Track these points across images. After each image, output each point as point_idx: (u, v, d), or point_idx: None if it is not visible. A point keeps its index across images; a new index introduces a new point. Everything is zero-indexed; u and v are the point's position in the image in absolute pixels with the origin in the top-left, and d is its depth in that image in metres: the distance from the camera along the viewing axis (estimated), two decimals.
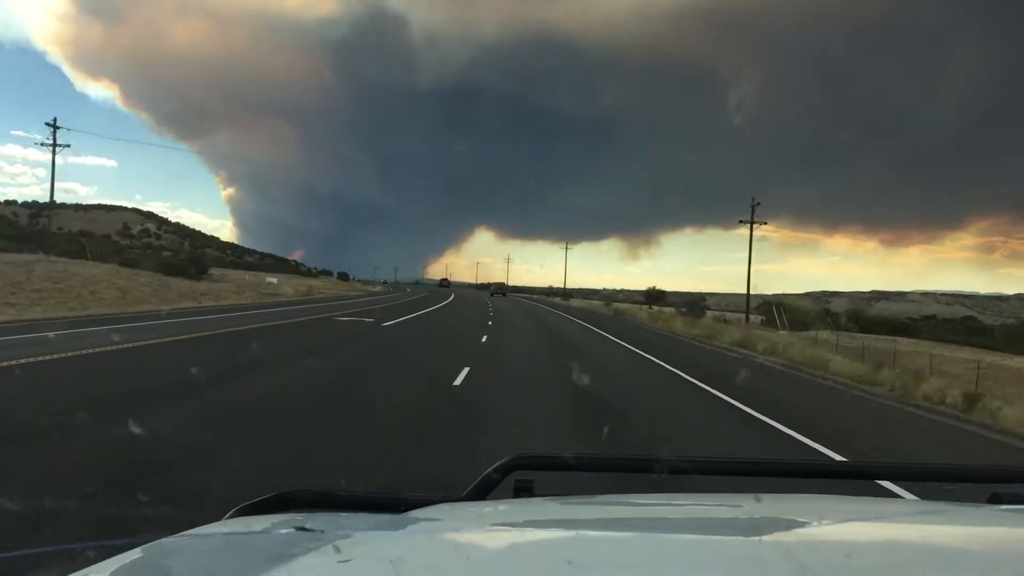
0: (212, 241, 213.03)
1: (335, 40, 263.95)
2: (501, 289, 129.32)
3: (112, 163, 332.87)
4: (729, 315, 70.25)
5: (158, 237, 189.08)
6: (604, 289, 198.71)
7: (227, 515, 1.37)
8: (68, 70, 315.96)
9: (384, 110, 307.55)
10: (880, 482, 5.23)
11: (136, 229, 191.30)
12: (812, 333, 43.50)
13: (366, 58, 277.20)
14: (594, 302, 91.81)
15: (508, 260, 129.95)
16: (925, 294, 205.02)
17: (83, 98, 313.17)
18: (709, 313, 61.43)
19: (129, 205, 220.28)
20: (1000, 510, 1.48)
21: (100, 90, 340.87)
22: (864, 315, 71.08)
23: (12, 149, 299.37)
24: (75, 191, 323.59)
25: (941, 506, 1.61)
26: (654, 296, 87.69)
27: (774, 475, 1.59)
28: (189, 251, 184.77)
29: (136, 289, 35.32)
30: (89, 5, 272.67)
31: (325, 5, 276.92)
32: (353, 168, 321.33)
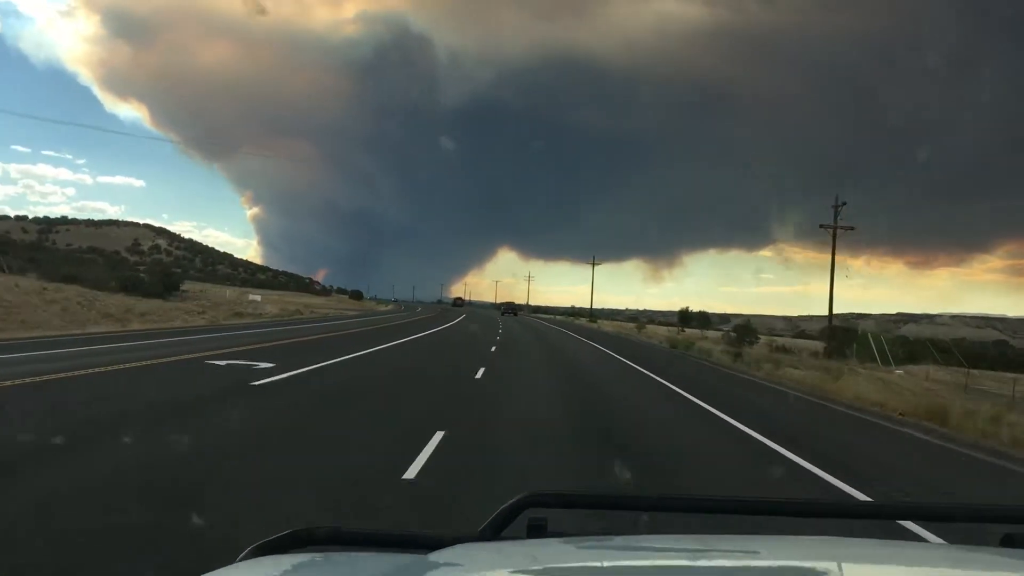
0: (225, 258, 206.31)
1: (360, 60, 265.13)
2: (512, 308, 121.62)
3: (140, 183, 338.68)
4: (778, 340, 61.06)
5: (168, 253, 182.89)
6: (627, 310, 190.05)
7: (241, 555, 1.36)
8: (98, 91, 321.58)
9: (407, 129, 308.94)
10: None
11: (147, 245, 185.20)
12: (914, 367, 33.51)
13: (390, 77, 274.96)
14: (626, 325, 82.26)
15: (529, 279, 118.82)
16: (955, 316, 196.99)
17: (112, 118, 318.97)
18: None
19: (141, 221, 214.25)
20: (1013, 553, 1.45)
21: (128, 111, 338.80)
22: (965, 345, 60.09)
23: (43, 169, 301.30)
24: (104, 210, 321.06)
25: (952, 549, 1.70)
26: (688, 318, 77.71)
27: (789, 515, 1.54)
28: (160, 268, 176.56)
29: (29, 307, 26.75)
30: (119, 28, 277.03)
31: (349, 26, 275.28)
32: (377, 188, 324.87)
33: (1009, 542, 1.49)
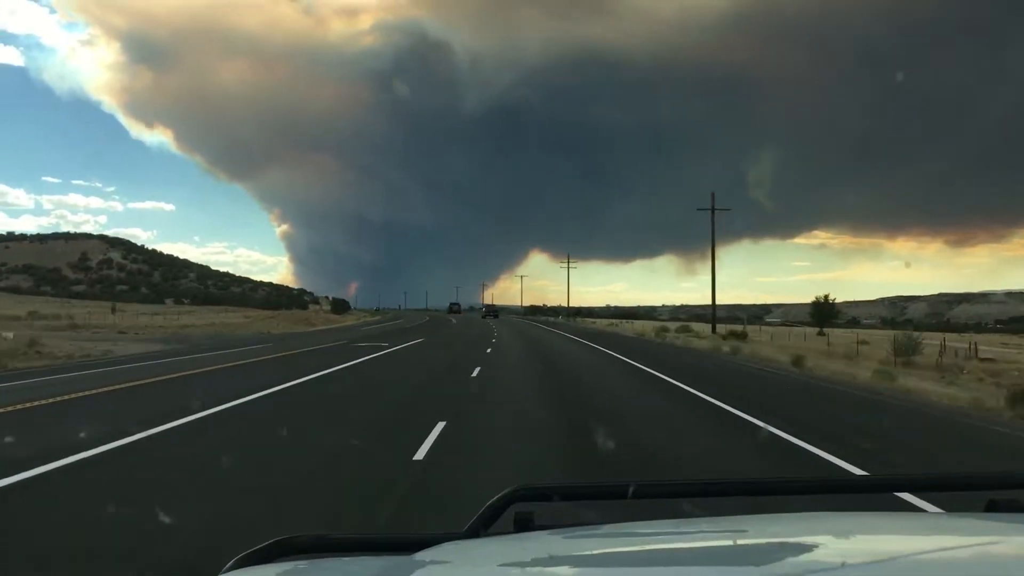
0: (198, 269, 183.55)
1: (379, 70, 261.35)
2: (493, 311, 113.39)
3: (170, 207, 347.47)
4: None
5: (122, 268, 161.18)
6: (663, 306, 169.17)
7: (226, 567, 1.33)
8: (122, 118, 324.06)
9: (433, 137, 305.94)
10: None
11: (96, 259, 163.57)
12: None
13: (411, 85, 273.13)
14: (695, 330, 59.40)
15: (568, 264, 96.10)
16: (1010, 294, 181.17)
17: (138, 144, 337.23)
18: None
19: (95, 232, 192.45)
20: (996, 518, 1.46)
21: (154, 136, 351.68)
22: None
23: (75, 198, 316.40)
24: (136, 236, 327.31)
25: (937, 517, 1.68)
26: (825, 312, 56.45)
27: (777, 495, 1.53)
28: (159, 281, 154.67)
29: None
30: (139, 54, 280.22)
31: (366, 38, 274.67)
32: (404, 197, 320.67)
33: (993, 507, 1.50)
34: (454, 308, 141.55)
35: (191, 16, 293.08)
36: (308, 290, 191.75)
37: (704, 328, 50.44)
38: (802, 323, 76.20)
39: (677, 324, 64.15)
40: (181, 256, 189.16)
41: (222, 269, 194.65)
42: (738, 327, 47.29)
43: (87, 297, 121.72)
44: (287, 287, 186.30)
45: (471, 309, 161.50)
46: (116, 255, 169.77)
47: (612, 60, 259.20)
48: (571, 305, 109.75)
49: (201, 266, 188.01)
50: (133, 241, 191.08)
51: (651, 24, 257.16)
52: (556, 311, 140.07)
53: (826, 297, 60.65)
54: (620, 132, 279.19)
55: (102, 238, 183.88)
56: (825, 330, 54.08)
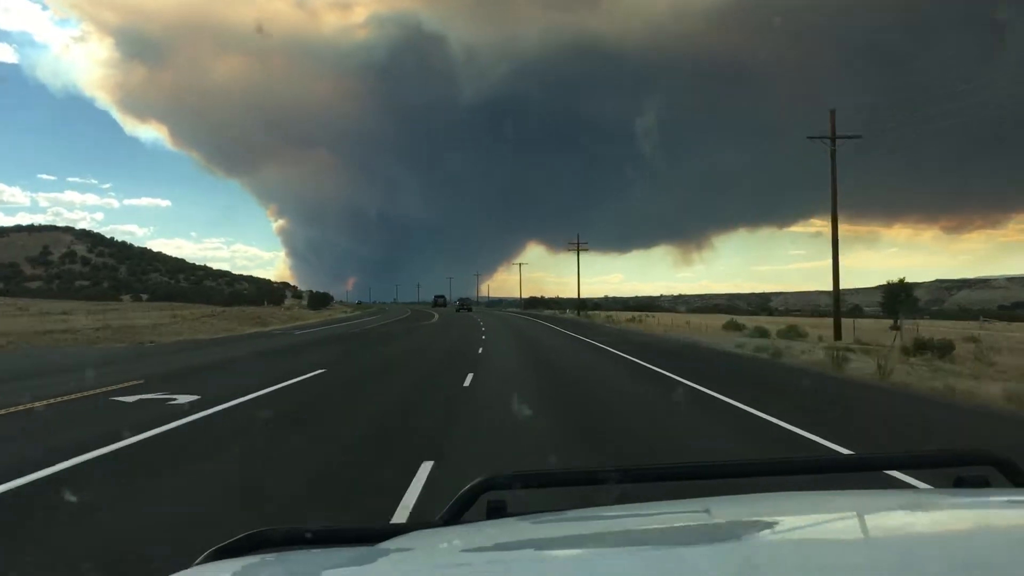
0: (173, 263, 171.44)
1: (374, 63, 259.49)
2: (466, 304, 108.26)
3: (166, 203, 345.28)
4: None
5: (86, 262, 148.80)
6: (662, 296, 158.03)
7: (197, 560, 1.33)
8: (117, 114, 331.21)
9: (428, 129, 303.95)
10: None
11: (59, 253, 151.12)
12: None
13: (406, 78, 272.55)
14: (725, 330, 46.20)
15: (578, 247, 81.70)
16: (1011, 279, 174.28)
17: (133, 141, 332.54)
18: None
19: (62, 225, 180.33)
20: (963, 493, 1.48)
21: (149, 132, 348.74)
22: None
23: (71, 195, 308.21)
24: (133, 232, 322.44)
25: (905, 494, 1.68)
26: (901, 300, 43.96)
27: (748, 476, 1.54)
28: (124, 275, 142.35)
29: None
30: (132, 50, 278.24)
31: (361, 31, 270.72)
32: (401, 191, 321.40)
33: (960, 483, 1.53)
34: (439, 301, 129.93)
35: (183, 11, 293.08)
36: (293, 284, 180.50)
37: (817, 329, 34.66)
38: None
39: (747, 318, 48.57)
40: (176, 253, 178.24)
41: (217, 266, 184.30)
42: (891, 335, 27.49)
43: (43, 295, 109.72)
44: (269, 281, 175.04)
45: (492, 304, 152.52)
46: (81, 248, 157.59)
47: (609, 50, 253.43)
48: (551, 298, 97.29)
49: (175, 259, 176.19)
50: (108, 236, 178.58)
51: (646, 15, 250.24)
52: (560, 303, 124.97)
53: (901, 281, 48.52)
54: (615, 124, 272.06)
55: (68, 230, 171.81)
56: (903, 321, 41.89)
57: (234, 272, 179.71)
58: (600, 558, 1.22)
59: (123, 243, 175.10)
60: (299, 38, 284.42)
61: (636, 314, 72.92)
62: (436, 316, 73.86)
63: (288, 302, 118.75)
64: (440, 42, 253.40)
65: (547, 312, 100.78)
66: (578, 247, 79.84)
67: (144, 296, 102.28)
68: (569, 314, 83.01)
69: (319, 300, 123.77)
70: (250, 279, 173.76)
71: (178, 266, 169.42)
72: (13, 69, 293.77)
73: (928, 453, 1.73)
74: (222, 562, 1.31)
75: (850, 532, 1.32)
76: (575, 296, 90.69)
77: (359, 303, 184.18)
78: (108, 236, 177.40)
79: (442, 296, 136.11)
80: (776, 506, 1.51)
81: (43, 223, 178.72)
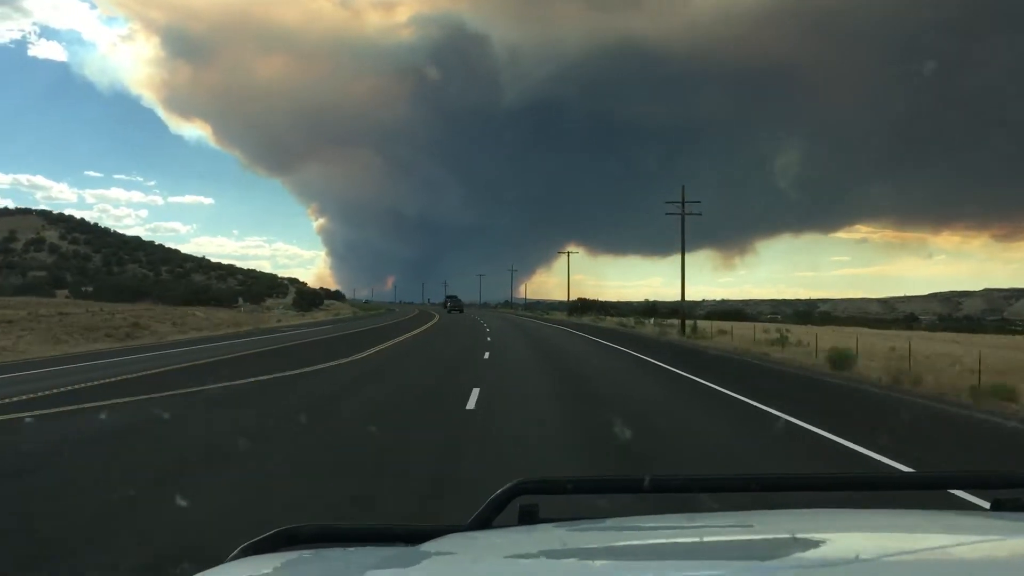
0: (159, 252, 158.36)
1: (417, 64, 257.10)
2: (457, 304, 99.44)
3: (209, 201, 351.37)
4: None
5: (55, 249, 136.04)
6: (704, 301, 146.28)
7: (230, 556, 1.32)
8: (162, 112, 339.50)
9: (469, 131, 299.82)
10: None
11: (25, 239, 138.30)
12: None
13: (449, 79, 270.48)
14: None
15: (683, 206, 62.28)
16: None
17: (177, 139, 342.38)
18: None
19: (35, 208, 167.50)
20: (1001, 516, 1.47)
21: (193, 130, 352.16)
22: None
23: (116, 192, 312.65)
24: (176, 230, 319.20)
25: (943, 515, 1.66)
26: None
27: (785, 490, 1.51)
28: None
29: None
30: (178, 48, 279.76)
31: (404, 31, 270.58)
32: (441, 191, 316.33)
33: (998, 506, 1.51)
34: (452, 304, 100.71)
35: (228, 10, 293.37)
36: (288, 278, 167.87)
37: None
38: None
39: (873, 331, 29.32)
40: (218, 251, 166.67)
41: (258, 265, 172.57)
42: None
43: None
44: (266, 274, 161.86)
45: (532, 306, 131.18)
46: (52, 234, 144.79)
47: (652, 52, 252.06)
48: (605, 300, 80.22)
49: (166, 249, 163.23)
50: (89, 221, 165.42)
51: (688, 16, 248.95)
52: (620, 309, 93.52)
53: None
54: (660, 126, 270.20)
55: (41, 214, 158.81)
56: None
57: (229, 264, 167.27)
58: (647, 572, 1.20)
59: (105, 229, 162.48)
60: (342, 37, 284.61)
61: (723, 325, 46.90)
62: (437, 317, 59.82)
63: (270, 302, 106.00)
64: (482, 42, 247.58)
65: (610, 320, 68.48)
66: (683, 206, 66.17)
67: (88, 289, 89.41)
68: (650, 327, 50.68)
69: (309, 299, 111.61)
70: (244, 272, 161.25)
71: (165, 256, 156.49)
72: (62, 67, 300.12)
73: (965, 473, 1.66)
74: (259, 557, 1.28)
75: (894, 553, 1.29)
76: (610, 300, 73.96)
77: (366, 302, 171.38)
78: (92, 222, 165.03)
79: (455, 297, 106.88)
80: (820, 522, 1.51)
81: (12, 207, 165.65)
